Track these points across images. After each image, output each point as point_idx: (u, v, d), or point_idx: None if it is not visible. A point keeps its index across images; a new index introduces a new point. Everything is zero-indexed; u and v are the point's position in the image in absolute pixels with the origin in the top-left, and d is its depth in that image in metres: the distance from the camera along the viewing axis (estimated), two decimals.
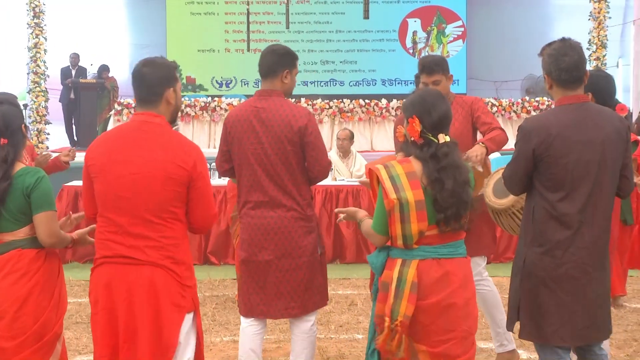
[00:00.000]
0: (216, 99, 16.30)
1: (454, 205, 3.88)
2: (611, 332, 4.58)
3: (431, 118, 3.94)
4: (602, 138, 4.27)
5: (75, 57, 17.38)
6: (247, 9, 16.01)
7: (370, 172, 4.08)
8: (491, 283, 6.06)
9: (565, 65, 4.30)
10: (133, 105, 13.68)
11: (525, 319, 4.40)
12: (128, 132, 4.08)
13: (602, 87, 5.33)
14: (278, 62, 5.31)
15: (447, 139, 3.93)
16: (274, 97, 5.28)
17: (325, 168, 5.28)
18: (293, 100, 15.60)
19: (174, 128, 4.26)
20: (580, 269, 4.30)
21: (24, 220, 4.27)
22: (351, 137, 11.46)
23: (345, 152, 11.50)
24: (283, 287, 5.26)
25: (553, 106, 4.56)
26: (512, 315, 4.48)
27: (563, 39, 4.43)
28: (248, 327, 5.33)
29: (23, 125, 4.46)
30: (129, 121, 4.19)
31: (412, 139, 3.97)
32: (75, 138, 16.90)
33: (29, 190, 4.23)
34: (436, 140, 3.92)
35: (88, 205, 4.13)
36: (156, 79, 4.07)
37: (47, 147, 15.04)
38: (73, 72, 17.24)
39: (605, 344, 4.78)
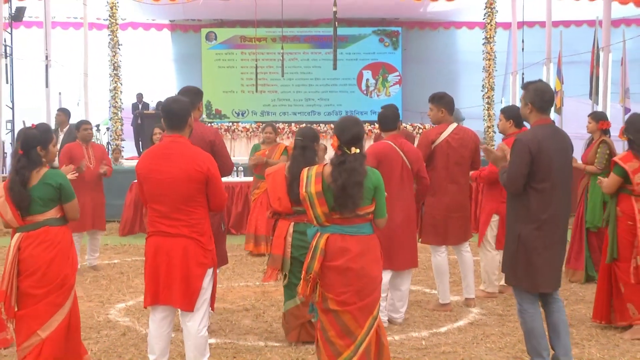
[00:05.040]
0: (235, 124, 16.38)
1: (343, 197, 3.70)
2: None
3: (345, 136, 3.78)
4: (566, 147, 4.21)
5: (140, 96, 17.39)
6: (256, 64, 16.05)
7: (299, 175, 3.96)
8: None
9: (548, 98, 4.21)
10: None
11: (523, 276, 4.19)
12: (162, 149, 4.04)
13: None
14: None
15: (357, 151, 3.76)
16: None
17: (230, 168, 5.07)
18: (284, 125, 15.76)
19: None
20: (559, 238, 4.20)
21: (50, 206, 4.10)
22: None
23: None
24: None
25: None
26: (511, 274, 4.27)
27: (541, 80, 4.33)
28: None
29: (39, 147, 4.12)
30: (161, 141, 4.10)
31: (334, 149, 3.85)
32: (141, 151, 16.85)
33: (59, 186, 4.08)
34: (349, 152, 3.77)
35: (142, 198, 4.14)
36: (182, 112, 4.05)
37: (123, 156, 15.14)
38: (139, 106, 17.24)
39: None
